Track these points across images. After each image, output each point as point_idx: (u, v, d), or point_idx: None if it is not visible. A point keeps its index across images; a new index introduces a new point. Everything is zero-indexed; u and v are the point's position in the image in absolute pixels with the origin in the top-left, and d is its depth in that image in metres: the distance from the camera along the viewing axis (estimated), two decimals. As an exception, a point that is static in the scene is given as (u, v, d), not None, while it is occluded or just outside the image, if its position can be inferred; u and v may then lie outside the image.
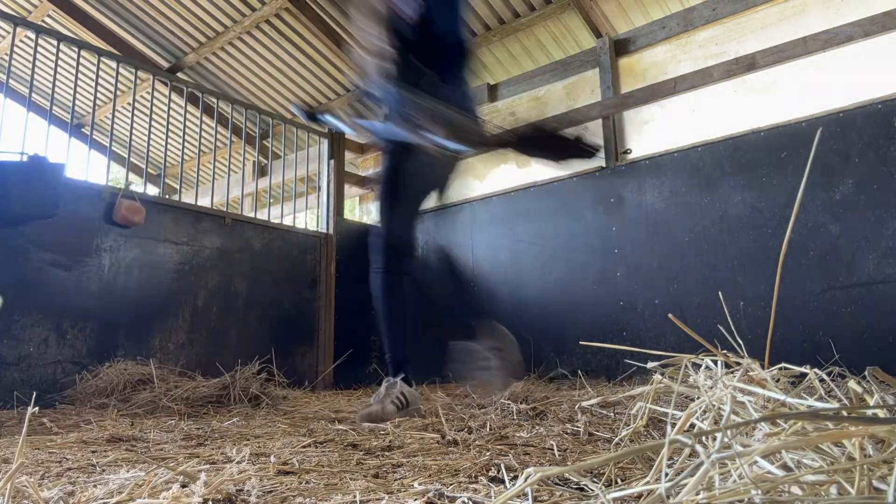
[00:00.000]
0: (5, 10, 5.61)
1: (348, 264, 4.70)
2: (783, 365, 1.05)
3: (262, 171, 6.12)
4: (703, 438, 0.81)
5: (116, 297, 3.27)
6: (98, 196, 3.27)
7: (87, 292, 3.15)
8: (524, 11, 4.70)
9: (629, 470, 1.04)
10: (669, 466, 0.73)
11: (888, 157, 2.85)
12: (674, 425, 0.89)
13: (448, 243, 4.52)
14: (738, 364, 1.02)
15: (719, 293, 3.11)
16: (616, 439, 1.08)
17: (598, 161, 4.11)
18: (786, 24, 3.61)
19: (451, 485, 1.00)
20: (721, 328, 1.59)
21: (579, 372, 3.27)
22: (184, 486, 1.00)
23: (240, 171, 7.09)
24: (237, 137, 6.70)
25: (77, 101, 6.90)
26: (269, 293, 4.08)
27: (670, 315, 1.17)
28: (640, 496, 0.80)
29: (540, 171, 4.53)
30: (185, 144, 7.11)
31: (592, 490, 0.89)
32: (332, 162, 4.93)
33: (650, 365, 1.15)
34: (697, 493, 0.59)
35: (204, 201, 5.22)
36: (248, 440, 1.71)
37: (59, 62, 3.54)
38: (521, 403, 2.20)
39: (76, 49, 3.46)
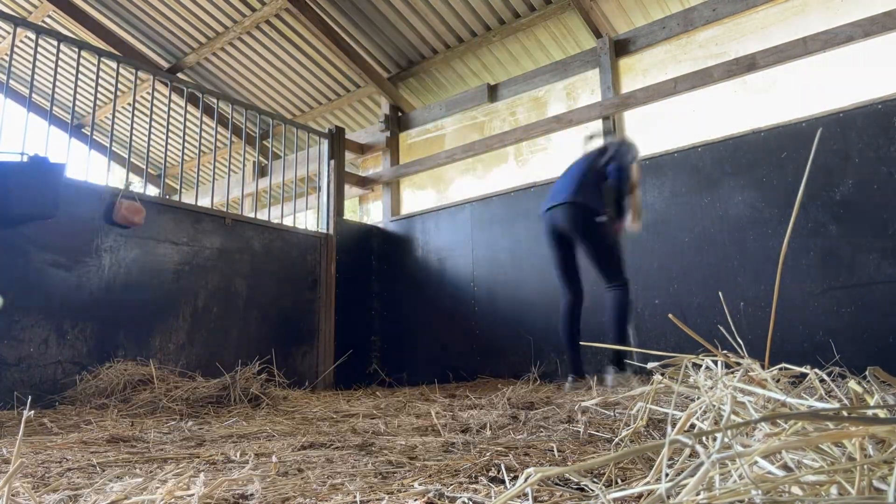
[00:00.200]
0: (5, 10, 5.62)
1: (348, 264, 4.70)
2: (783, 365, 1.05)
3: (262, 172, 6.12)
4: (704, 439, 0.81)
5: (116, 297, 3.27)
6: (98, 196, 3.27)
7: (87, 292, 3.15)
8: (524, 11, 4.70)
9: (629, 470, 1.04)
10: (670, 467, 0.73)
11: (888, 157, 2.85)
12: (674, 425, 0.89)
13: (448, 243, 4.52)
14: (739, 364, 1.02)
15: (719, 293, 3.11)
16: (616, 439, 1.08)
17: (599, 161, 4.11)
18: (786, 24, 3.61)
19: (451, 485, 1.00)
20: (721, 328, 1.59)
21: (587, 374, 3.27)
22: (185, 487, 1.00)
23: (240, 171, 7.09)
24: (237, 138, 6.70)
25: (77, 102, 6.90)
26: (269, 293, 4.08)
27: (670, 315, 1.17)
28: (640, 496, 0.80)
29: (540, 171, 4.53)
30: (186, 145, 7.12)
31: (592, 490, 0.89)
32: (332, 162, 4.93)
33: (650, 365, 1.15)
34: (698, 494, 0.59)
35: (204, 202, 5.22)
36: (248, 440, 1.71)
37: (60, 62, 3.54)
38: (520, 408, 2.21)
39: (76, 49, 3.46)
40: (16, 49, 5.51)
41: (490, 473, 1.10)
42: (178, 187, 6.91)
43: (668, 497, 0.62)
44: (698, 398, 0.94)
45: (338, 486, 1.04)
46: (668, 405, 0.98)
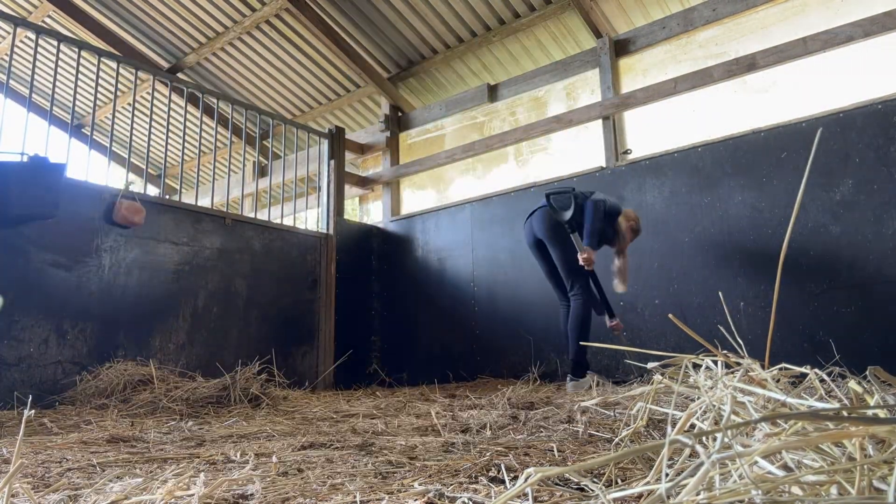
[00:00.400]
0: (6, 10, 5.61)
1: (348, 264, 4.70)
2: (783, 365, 1.05)
3: (262, 172, 6.12)
4: (704, 439, 0.81)
5: (117, 297, 3.27)
6: (98, 196, 3.27)
7: (87, 293, 3.15)
8: (524, 11, 4.70)
9: (629, 470, 1.03)
10: (670, 467, 0.73)
11: (888, 157, 2.85)
12: (674, 425, 0.89)
13: (448, 243, 4.52)
14: (739, 364, 1.02)
15: (719, 293, 3.11)
16: (616, 439, 1.08)
17: (599, 161, 4.11)
18: (786, 24, 3.61)
19: (451, 485, 1.00)
20: (721, 328, 1.59)
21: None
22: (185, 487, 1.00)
23: (240, 171, 7.09)
24: (237, 138, 6.70)
25: (77, 102, 6.90)
26: (269, 293, 4.08)
27: (670, 315, 1.17)
28: (640, 496, 0.80)
29: (540, 171, 4.53)
30: (186, 145, 7.11)
31: (592, 490, 0.89)
32: (332, 162, 4.93)
33: (650, 365, 1.15)
34: (698, 494, 0.59)
35: (204, 202, 5.22)
36: (248, 440, 1.71)
37: (60, 62, 3.54)
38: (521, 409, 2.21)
39: (76, 49, 3.46)
40: (16, 49, 5.51)
41: (490, 473, 1.10)
42: (178, 187, 6.91)
43: (668, 497, 0.62)
44: (698, 398, 0.94)
45: (338, 486, 1.04)
46: (668, 405, 0.98)
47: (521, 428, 1.71)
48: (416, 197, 5.31)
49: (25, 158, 2.86)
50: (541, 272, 3.46)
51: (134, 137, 6.85)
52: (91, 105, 6.99)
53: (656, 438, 1.35)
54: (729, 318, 3.01)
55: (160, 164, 7.67)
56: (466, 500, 0.90)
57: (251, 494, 0.99)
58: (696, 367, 1.08)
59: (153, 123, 6.26)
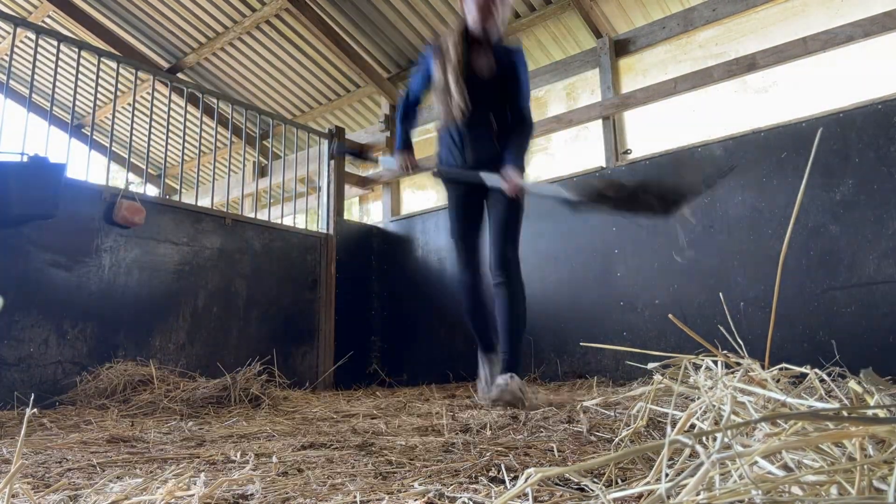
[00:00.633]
0: (5, 10, 5.62)
1: (348, 264, 4.70)
2: (783, 365, 1.05)
3: (262, 172, 6.12)
4: (704, 439, 0.81)
5: (117, 297, 3.27)
6: (98, 196, 3.27)
7: (87, 293, 3.15)
8: (524, 12, 4.70)
9: (629, 470, 1.04)
10: (670, 467, 0.73)
11: (888, 157, 2.85)
12: (674, 425, 0.89)
13: (448, 243, 4.52)
14: (739, 364, 1.02)
15: (720, 293, 3.11)
16: (616, 439, 1.08)
17: (599, 161, 4.11)
18: (786, 24, 3.61)
19: (451, 485, 1.00)
20: (721, 328, 1.59)
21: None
22: (185, 487, 1.00)
23: (240, 171, 7.09)
24: (237, 138, 6.70)
25: (77, 102, 6.90)
26: (269, 294, 4.08)
27: (670, 315, 1.17)
28: (640, 496, 0.80)
29: (540, 171, 4.53)
30: (186, 145, 7.11)
31: (593, 490, 0.89)
32: (332, 162, 4.93)
33: (651, 365, 1.15)
34: (698, 494, 0.59)
35: (204, 202, 5.22)
36: (248, 440, 1.71)
37: (60, 63, 3.54)
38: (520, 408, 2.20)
39: (76, 49, 3.46)
40: (16, 49, 5.51)
41: (490, 473, 1.10)
42: (178, 187, 6.91)
43: (669, 497, 0.62)
44: (698, 398, 0.94)
45: (338, 486, 1.04)
46: (669, 405, 0.98)
47: (521, 428, 1.71)
48: (416, 197, 5.31)
49: (25, 158, 2.86)
50: (541, 272, 3.46)
51: (134, 137, 6.85)
52: (91, 105, 6.99)
53: (656, 438, 1.35)
54: (729, 318, 3.01)
55: (160, 164, 7.67)
56: (466, 500, 0.90)
57: (251, 494, 0.99)
58: (697, 367, 1.08)
59: (153, 123, 6.25)
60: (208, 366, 3.52)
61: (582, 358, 3.60)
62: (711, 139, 3.47)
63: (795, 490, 0.62)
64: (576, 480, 0.95)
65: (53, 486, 1.07)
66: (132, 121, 3.75)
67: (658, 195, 2.18)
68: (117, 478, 1.16)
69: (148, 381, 2.81)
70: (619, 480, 0.97)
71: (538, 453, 1.29)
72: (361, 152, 2.33)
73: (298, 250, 4.37)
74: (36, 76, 5.64)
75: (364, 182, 5.39)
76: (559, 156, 4.46)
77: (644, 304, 3.46)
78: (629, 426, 1.16)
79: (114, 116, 3.87)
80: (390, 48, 5.34)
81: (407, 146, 2.71)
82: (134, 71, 3.74)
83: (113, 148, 4.95)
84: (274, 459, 1.29)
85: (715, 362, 1.05)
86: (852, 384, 0.84)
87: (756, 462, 0.65)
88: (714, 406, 0.89)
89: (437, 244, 4.61)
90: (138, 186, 3.56)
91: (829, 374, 1.10)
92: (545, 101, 4.67)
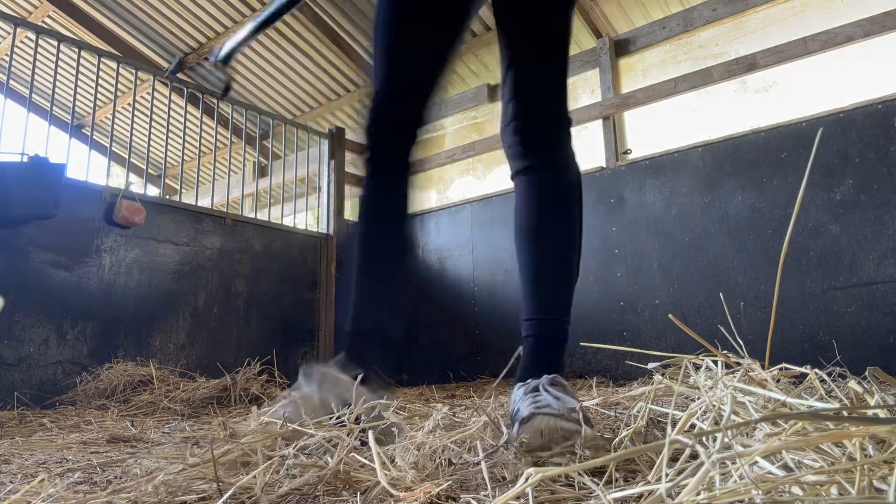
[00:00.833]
0: (5, 10, 5.61)
1: (349, 265, 4.70)
2: (784, 365, 1.05)
3: (262, 172, 6.12)
4: (704, 439, 0.81)
5: (117, 297, 3.27)
6: (98, 196, 3.27)
7: (87, 293, 3.15)
8: (524, 12, 4.70)
9: (629, 470, 1.03)
10: (670, 467, 0.73)
11: (888, 157, 2.85)
12: (674, 425, 0.89)
13: (448, 243, 4.52)
14: (739, 364, 1.02)
15: (720, 294, 3.11)
16: (616, 439, 1.08)
17: (599, 161, 4.11)
18: (786, 24, 3.61)
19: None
20: (722, 328, 1.60)
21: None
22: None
23: (240, 171, 7.09)
24: (237, 138, 6.70)
25: (77, 102, 6.90)
26: (269, 294, 4.08)
27: (671, 315, 1.17)
28: (640, 496, 0.80)
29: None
30: (186, 145, 7.11)
31: (593, 490, 0.89)
32: (332, 162, 4.93)
33: (651, 365, 1.15)
34: (698, 494, 0.59)
35: (204, 202, 5.22)
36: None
37: (60, 63, 3.54)
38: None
39: (76, 50, 3.46)
40: (16, 49, 5.51)
41: (490, 473, 1.09)
42: (178, 187, 6.91)
43: (669, 497, 0.62)
44: (698, 398, 0.94)
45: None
46: (669, 405, 0.98)
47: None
48: (416, 197, 5.32)
49: (25, 159, 2.87)
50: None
51: (134, 138, 6.85)
52: (91, 105, 6.99)
53: (656, 438, 1.35)
54: (729, 318, 3.01)
55: (160, 165, 7.67)
56: (467, 500, 0.90)
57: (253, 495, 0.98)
58: (697, 367, 1.08)
59: (153, 124, 6.25)
60: (208, 366, 3.52)
61: (582, 358, 3.60)
62: (711, 139, 3.47)
63: (796, 490, 0.62)
64: (576, 480, 0.95)
65: (53, 486, 1.07)
66: (132, 121, 3.75)
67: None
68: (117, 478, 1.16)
69: (148, 382, 2.81)
70: (624, 481, 0.97)
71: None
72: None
73: (298, 250, 4.37)
74: (36, 76, 5.64)
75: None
76: (559, 156, 4.46)
77: (644, 304, 3.46)
78: (629, 426, 1.16)
79: (114, 116, 3.87)
80: (390, 48, 5.34)
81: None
82: (134, 71, 3.74)
83: (113, 148, 4.95)
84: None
85: (715, 362, 1.05)
86: (853, 384, 0.84)
87: (756, 462, 0.65)
88: (714, 406, 0.89)
89: (437, 244, 4.61)
90: (138, 186, 3.56)
91: (829, 374, 1.10)
92: (545, 101, 4.67)
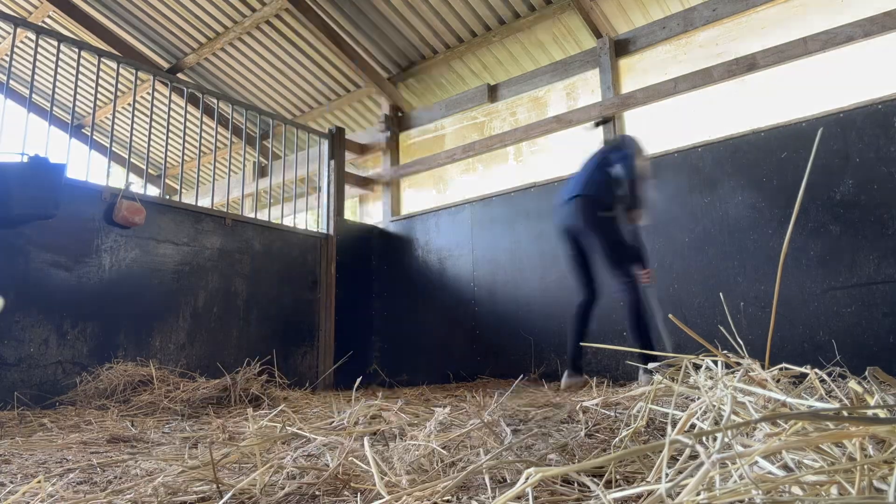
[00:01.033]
0: (5, 10, 5.61)
1: (348, 265, 4.70)
2: (784, 365, 1.05)
3: (262, 172, 6.12)
4: (704, 439, 0.81)
5: (117, 297, 3.27)
6: (98, 196, 3.27)
7: (87, 293, 3.15)
8: (524, 12, 4.69)
9: (629, 470, 1.03)
10: (670, 467, 0.73)
11: (888, 157, 2.85)
12: (674, 425, 0.89)
13: (448, 243, 4.52)
14: (739, 364, 1.02)
15: (720, 294, 3.11)
16: (616, 439, 1.08)
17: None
18: (786, 24, 3.61)
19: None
20: (722, 329, 1.59)
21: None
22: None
23: (240, 171, 7.09)
24: (237, 138, 6.70)
25: (77, 102, 6.90)
26: (269, 294, 4.08)
27: (671, 315, 1.17)
28: (640, 496, 0.80)
29: (540, 171, 4.53)
30: (186, 145, 7.11)
31: (593, 490, 0.89)
32: (332, 162, 4.93)
33: (651, 365, 1.15)
34: (698, 494, 0.59)
35: (204, 202, 5.22)
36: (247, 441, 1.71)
37: (60, 63, 3.54)
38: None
39: (76, 50, 3.46)
40: (16, 49, 5.52)
41: (491, 473, 1.09)
42: (178, 187, 6.91)
43: (669, 497, 0.62)
44: (698, 398, 0.94)
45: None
46: (669, 405, 0.98)
47: (523, 428, 1.71)
48: (417, 197, 5.31)
49: (25, 159, 2.87)
50: (541, 272, 3.45)
51: (134, 138, 6.85)
52: (91, 105, 6.99)
53: (656, 438, 1.35)
54: (729, 318, 3.01)
55: (160, 165, 7.67)
56: (467, 500, 0.90)
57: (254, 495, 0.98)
58: (697, 367, 1.08)
59: (153, 124, 6.26)
60: (208, 366, 3.52)
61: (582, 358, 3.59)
62: (711, 139, 3.47)
63: (795, 490, 0.62)
64: (576, 480, 0.95)
65: (53, 486, 1.07)
66: (132, 121, 3.75)
67: None
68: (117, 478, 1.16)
69: (148, 382, 2.81)
70: (624, 482, 0.97)
71: (538, 453, 1.29)
72: None
73: (298, 250, 4.37)
74: (36, 76, 5.65)
75: (364, 182, 5.39)
76: (559, 156, 4.46)
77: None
78: (629, 426, 1.16)
79: (114, 116, 3.87)
80: (390, 48, 5.34)
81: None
82: (134, 71, 3.74)
83: (113, 148, 4.95)
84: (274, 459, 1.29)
85: (715, 362, 1.05)
86: (853, 384, 0.84)
87: (756, 462, 0.65)
88: (714, 406, 0.89)
89: (437, 244, 4.61)
90: (138, 187, 3.56)
91: (829, 374, 1.10)
92: (545, 101, 4.67)
